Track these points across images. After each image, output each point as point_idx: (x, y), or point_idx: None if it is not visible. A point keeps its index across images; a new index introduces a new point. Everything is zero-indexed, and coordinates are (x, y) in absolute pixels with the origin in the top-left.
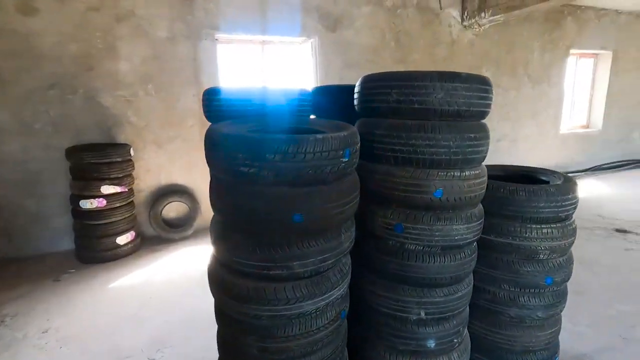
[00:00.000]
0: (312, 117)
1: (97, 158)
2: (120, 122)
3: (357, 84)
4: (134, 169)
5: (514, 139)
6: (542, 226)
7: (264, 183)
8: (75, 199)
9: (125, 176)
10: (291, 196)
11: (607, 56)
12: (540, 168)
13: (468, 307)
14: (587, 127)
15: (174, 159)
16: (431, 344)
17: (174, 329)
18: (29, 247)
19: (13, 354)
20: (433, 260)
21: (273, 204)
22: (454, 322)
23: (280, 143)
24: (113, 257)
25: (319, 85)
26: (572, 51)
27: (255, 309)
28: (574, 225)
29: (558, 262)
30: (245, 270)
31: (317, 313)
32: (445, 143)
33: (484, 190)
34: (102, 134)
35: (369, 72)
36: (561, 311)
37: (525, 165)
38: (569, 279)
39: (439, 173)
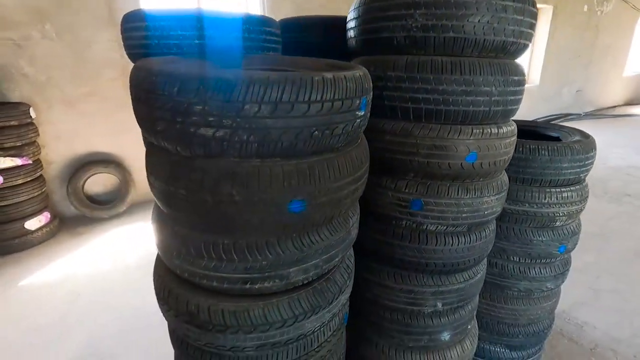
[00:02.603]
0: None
1: None
2: (10, 75)
3: (355, 5)
4: (38, 135)
5: None
6: (562, 189)
7: (241, 154)
8: None
9: (25, 144)
10: (287, 174)
11: (547, 10)
12: (542, 122)
13: None
14: (527, 82)
15: (92, 122)
16: (446, 336)
17: (111, 334)
18: None
19: None
20: (458, 242)
21: (258, 189)
22: (469, 308)
23: (268, 85)
24: (22, 246)
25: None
26: None
27: (235, 338)
28: (588, 187)
29: (572, 228)
30: (216, 286)
31: (320, 328)
32: (487, 89)
33: (513, 152)
34: None
35: None
36: (566, 278)
37: None
38: (577, 244)
39: (475, 130)
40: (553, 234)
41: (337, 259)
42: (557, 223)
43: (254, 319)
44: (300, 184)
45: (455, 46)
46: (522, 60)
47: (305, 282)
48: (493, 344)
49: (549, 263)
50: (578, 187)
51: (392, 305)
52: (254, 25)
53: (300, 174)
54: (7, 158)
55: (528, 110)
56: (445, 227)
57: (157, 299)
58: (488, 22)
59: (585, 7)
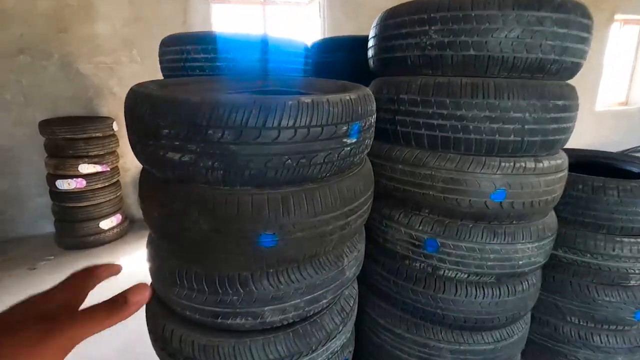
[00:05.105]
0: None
1: (73, 133)
2: (102, 93)
3: (374, 24)
4: (118, 145)
5: None
6: None
7: (208, 181)
8: (51, 178)
9: (107, 154)
10: (256, 204)
11: None
12: (622, 154)
13: None
14: (626, 104)
15: None
16: None
17: None
18: (4, 230)
19: None
20: (482, 294)
21: (223, 218)
22: None
23: (233, 109)
24: (96, 242)
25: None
26: (616, 17)
27: None
28: None
29: None
30: (189, 316)
31: None
32: (518, 115)
33: (563, 189)
34: (82, 107)
35: None
36: None
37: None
38: None
39: (503, 163)
40: (626, 294)
41: (324, 301)
42: (632, 282)
43: (223, 357)
44: (270, 216)
45: (477, 66)
46: (574, 81)
47: (285, 323)
48: None
49: (621, 331)
50: None
51: (403, 357)
52: (284, 49)
53: (272, 205)
54: (90, 165)
55: (624, 136)
56: (466, 275)
57: (145, 317)
58: (518, 37)
59: None
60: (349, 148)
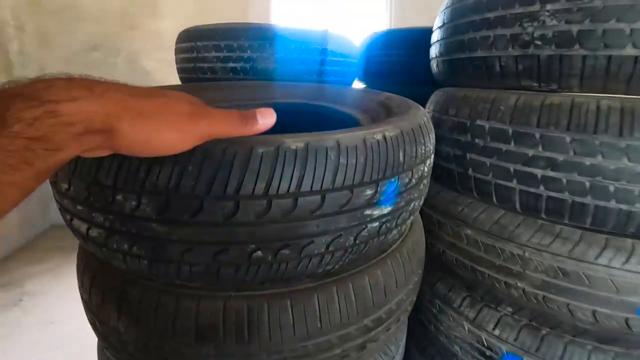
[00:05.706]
0: (357, 86)
1: None
2: None
3: (443, 7)
4: None
5: None
6: None
7: (131, 270)
8: None
9: None
10: (204, 316)
11: None
12: None
13: None
14: None
15: None
16: None
17: None
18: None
19: (5, 345)
20: None
21: (152, 330)
22: None
23: (155, 161)
24: None
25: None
26: None
27: None
28: None
29: None
30: None
31: None
32: None
33: None
34: None
35: None
36: None
37: None
38: None
39: None
40: None
41: None
42: None
43: None
44: (228, 339)
45: (635, 77)
46: None
47: None
48: None
49: None
50: None
51: None
52: (306, 45)
53: (231, 319)
54: None
55: None
56: None
57: None
58: None
59: None
60: (377, 224)
